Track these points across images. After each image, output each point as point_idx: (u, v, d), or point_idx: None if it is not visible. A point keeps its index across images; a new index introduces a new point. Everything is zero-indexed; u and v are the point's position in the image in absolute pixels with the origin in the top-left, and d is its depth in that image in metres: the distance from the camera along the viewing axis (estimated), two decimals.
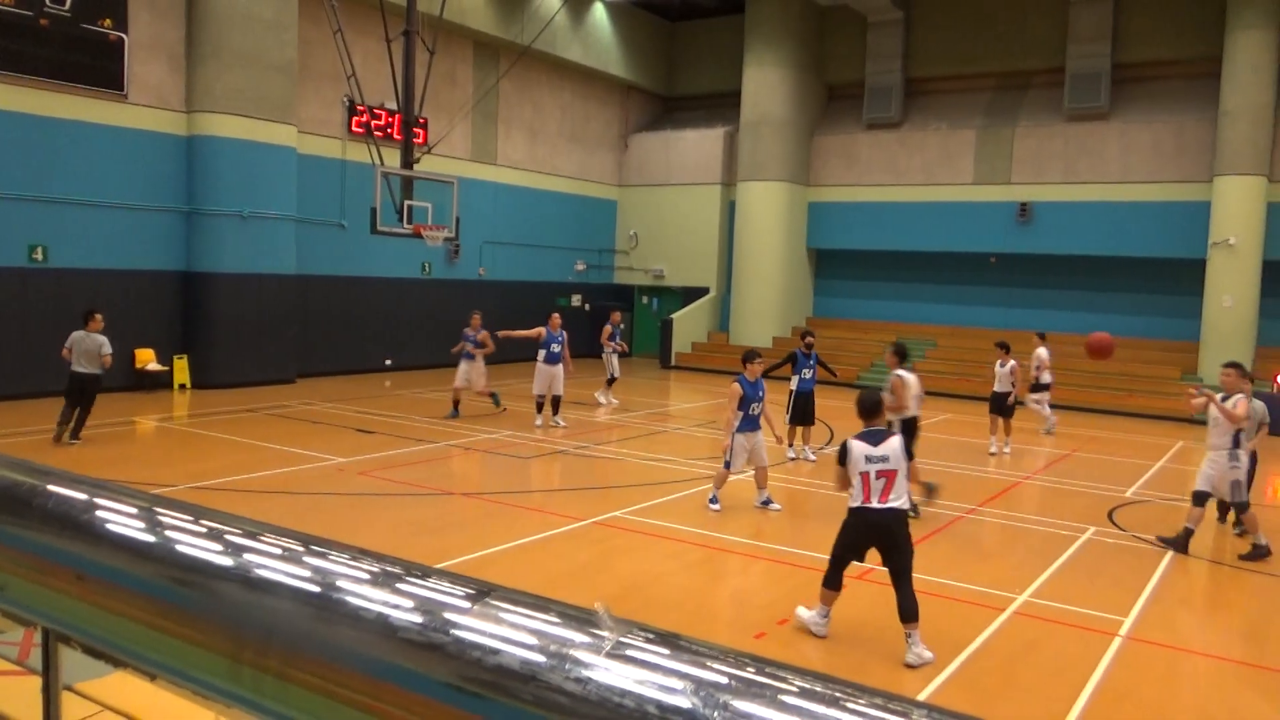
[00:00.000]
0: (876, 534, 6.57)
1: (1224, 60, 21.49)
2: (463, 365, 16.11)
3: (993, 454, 14.90)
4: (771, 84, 26.43)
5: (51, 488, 1.66)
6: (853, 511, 6.65)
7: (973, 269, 25.94)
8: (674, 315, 27.79)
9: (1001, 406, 14.90)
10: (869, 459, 6.56)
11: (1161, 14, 23.33)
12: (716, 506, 10.47)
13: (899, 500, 6.56)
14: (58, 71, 16.26)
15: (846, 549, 6.74)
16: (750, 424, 10.35)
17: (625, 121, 30.04)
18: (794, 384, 13.50)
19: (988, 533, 10.42)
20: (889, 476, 6.54)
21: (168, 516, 1.53)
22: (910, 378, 10.83)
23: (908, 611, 6.45)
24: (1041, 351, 16.82)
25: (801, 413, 13.46)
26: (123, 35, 17.12)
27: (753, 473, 10.87)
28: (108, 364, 12.76)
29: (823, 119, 28.12)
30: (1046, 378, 16.88)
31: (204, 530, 1.47)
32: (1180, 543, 9.48)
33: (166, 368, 18.17)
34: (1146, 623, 7.54)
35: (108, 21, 16.89)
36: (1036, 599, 8.00)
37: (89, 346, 12.60)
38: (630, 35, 28.66)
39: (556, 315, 16.18)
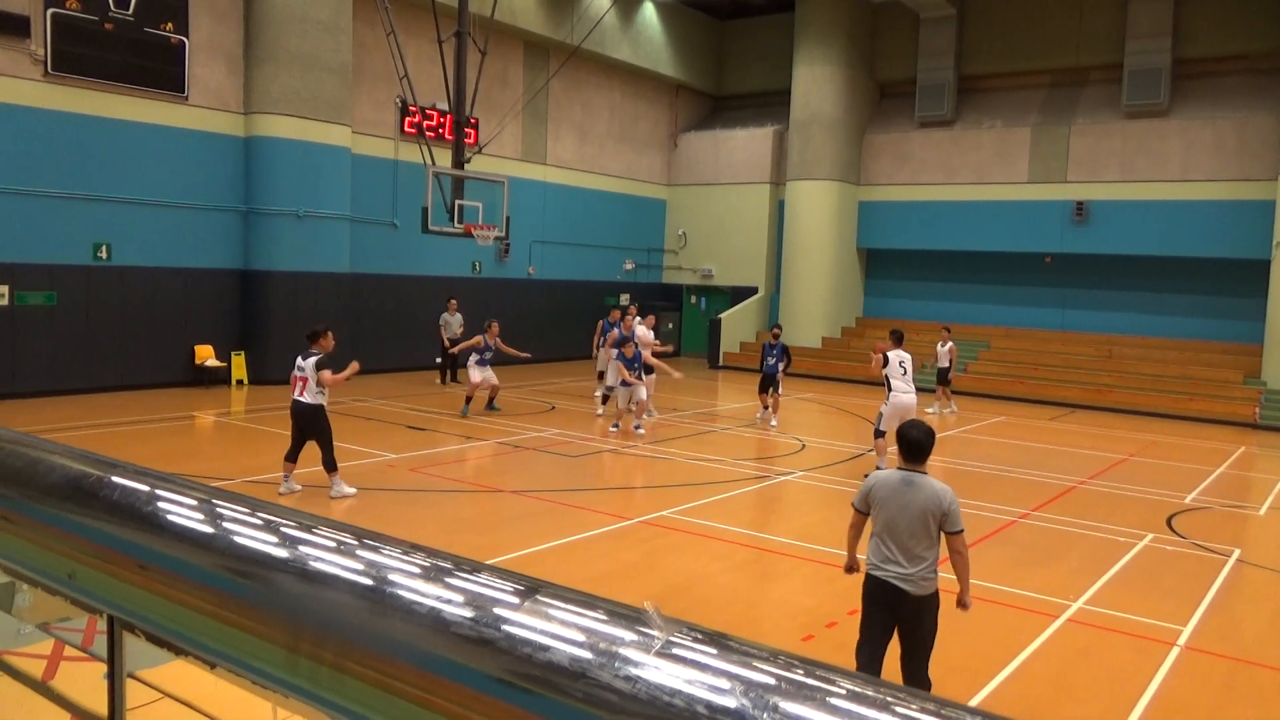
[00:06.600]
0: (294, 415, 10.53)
1: None
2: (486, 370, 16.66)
3: (930, 412, 18.41)
4: (822, 82, 26.24)
5: (116, 479, 1.71)
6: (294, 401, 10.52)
7: (1027, 269, 25.49)
8: (722, 315, 27.71)
9: (944, 378, 19.47)
10: (298, 368, 10.42)
11: (1224, 8, 22.71)
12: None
13: (303, 395, 10.30)
14: (121, 74, 16.70)
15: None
16: None
17: (674, 121, 30.02)
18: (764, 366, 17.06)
19: (1042, 538, 10.23)
20: (303, 381, 10.31)
21: (226, 509, 1.57)
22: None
23: (327, 463, 10.36)
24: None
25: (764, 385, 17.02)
26: (184, 38, 17.53)
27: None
28: (458, 332, 19.67)
29: (874, 117, 27.83)
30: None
31: (261, 523, 1.50)
32: None
33: (225, 363, 18.57)
34: (1205, 632, 7.36)
35: (169, 25, 17.29)
36: (1091, 606, 7.85)
37: (450, 323, 20.08)
38: (679, 34, 28.63)
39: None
